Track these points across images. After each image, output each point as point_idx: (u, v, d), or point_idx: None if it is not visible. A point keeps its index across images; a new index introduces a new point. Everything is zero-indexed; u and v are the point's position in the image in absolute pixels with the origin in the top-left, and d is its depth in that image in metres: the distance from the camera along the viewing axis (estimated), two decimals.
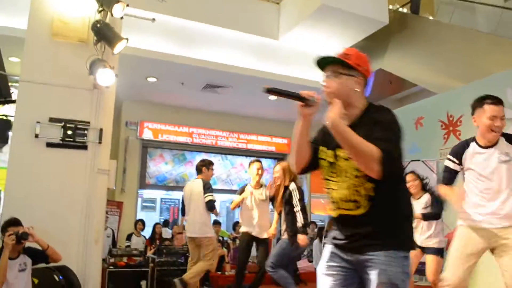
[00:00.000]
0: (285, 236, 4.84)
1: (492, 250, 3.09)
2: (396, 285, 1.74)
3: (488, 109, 3.10)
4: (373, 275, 1.76)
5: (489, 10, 8.28)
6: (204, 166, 5.73)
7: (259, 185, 5.53)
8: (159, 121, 9.89)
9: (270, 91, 1.77)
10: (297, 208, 4.74)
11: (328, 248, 1.96)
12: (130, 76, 8.27)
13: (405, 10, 9.63)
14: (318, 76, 2.10)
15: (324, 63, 1.92)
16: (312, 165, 1.97)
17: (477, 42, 7.48)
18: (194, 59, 7.75)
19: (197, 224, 5.34)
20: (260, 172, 5.51)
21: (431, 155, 7.21)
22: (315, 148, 1.95)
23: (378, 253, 1.77)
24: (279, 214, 5.10)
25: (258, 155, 10.85)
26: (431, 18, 9.37)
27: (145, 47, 7.39)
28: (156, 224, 8.47)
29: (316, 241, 8.61)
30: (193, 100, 9.61)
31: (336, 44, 8.37)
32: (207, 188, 5.40)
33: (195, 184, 5.62)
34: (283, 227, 4.93)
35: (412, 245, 1.90)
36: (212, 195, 5.39)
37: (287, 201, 4.86)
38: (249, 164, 5.73)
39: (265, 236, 5.36)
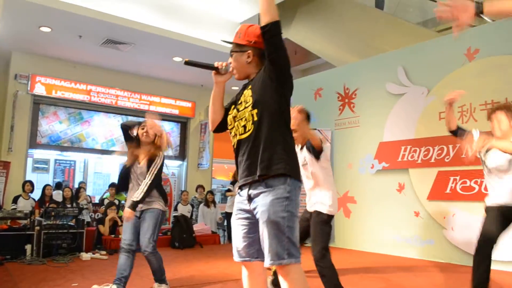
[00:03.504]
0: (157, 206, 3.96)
1: None
2: (276, 223, 1.94)
3: None
4: (259, 218, 2.01)
5: None
6: None
7: None
8: (54, 76, 9.15)
9: (189, 63, 2.14)
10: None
11: (236, 201, 2.20)
12: (20, 24, 7.51)
13: None
14: (224, 38, 2.25)
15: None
16: (224, 125, 2.29)
17: (376, 20, 7.88)
18: (93, 10, 7.21)
19: None
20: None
21: (328, 125, 7.57)
22: (227, 109, 2.28)
23: (262, 195, 1.99)
24: None
25: (162, 118, 10.59)
26: None
27: None
28: (46, 185, 7.95)
29: (202, 206, 8.74)
30: (92, 56, 9.01)
31: (246, 8, 8.32)
32: None
33: None
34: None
35: (296, 181, 2.04)
36: None
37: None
38: None
39: None
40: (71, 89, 9.34)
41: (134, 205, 3.78)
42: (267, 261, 1.96)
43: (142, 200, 3.81)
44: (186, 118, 10.95)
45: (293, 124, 3.40)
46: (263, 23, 2.00)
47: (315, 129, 7.48)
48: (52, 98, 9.19)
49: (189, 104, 10.83)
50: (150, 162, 3.91)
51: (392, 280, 4.69)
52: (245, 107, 2.13)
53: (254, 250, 2.12)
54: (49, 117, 9.37)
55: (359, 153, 7.09)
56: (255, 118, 2.06)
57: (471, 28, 6.53)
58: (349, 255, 6.45)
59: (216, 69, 2.21)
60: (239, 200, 2.18)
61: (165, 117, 10.67)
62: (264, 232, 1.97)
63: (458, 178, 5.82)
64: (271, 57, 2.04)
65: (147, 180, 3.86)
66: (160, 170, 3.93)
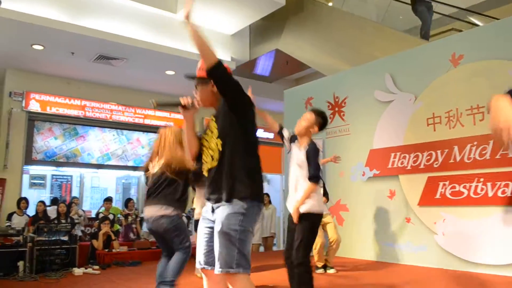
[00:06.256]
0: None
1: None
2: (228, 234, 2.11)
3: None
4: (215, 227, 2.19)
5: (378, 0, 8.84)
6: None
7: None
8: (48, 93, 9.25)
9: (159, 105, 2.35)
10: None
11: (203, 210, 2.38)
12: (13, 42, 7.63)
13: None
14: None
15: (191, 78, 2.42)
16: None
17: (364, 29, 7.95)
18: (85, 27, 7.32)
19: None
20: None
21: (319, 134, 7.53)
22: (200, 137, 2.44)
23: (221, 208, 2.18)
24: None
25: (156, 130, 10.65)
26: (330, 4, 9.75)
27: (29, 12, 6.84)
28: (39, 202, 8.00)
29: None
30: (85, 71, 9.11)
31: (235, 21, 8.42)
32: None
33: None
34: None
35: (256, 201, 2.23)
36: None
37: None
38: None
39: None
40: (65, 105, 9.43)
41: None
42: (217, 268, 2.12)
43: None
44: (180, 129, 10.99)
45: (298, 126, 3.54)
46: (205, 69, 2.17)
47: None
48: (47, 115, 9.28)
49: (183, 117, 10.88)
50: None
51: None
52: (212, 137, 2.33)
53: (213, 258, 2.23)
54: (44, 133, 9.43)
55: (350, 161, 7.12)
56: (220, 148, 2.26)
57: (455, 34, 6.60)
58: (343, 263, 6.45)
59: (184, 106, 2.37)
60: (206, 209, 2.37)
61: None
62: (216, 241, 2.15)
63: (447, 183, 5.83)
64: (222, 94, 2.25)
65: None
66: None
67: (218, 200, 2.23)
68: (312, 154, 3.43)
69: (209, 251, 2.27)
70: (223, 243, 2.11)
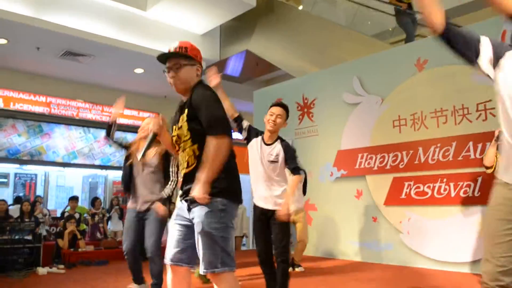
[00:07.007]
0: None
1: None
2: (210, 233, 2.05)
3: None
4: (195, 227, 2.10)
5: (348, 4, 9.01)
6: None
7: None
8: (12, 88, 8.98)
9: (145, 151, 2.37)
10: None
11: (177, 207, 2.31)
12: None
13: None
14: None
15: (166, 56, 2.21)
16: None
17: (333, 32, 8.10)
18: (51, 23, 7.15)
19: None
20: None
21: (288, 134, 7.65)
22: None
23: (199, 207, 2.09)
24: None
25: (124, 129, 10.50)
26: (300, 7, 9.87)
27: None
28: (0, 200, 7.74)
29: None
30: (51, 67, 8.89)
31: (205, 21, 8.41)
32: None
33: None
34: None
35: (233, 196, 2.17)
36: None
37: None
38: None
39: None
40: (30, 102, 9.18)
41: (165, 202, 3.92)
42: (202, 269, 2.06)
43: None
44: None
45: (275, 124, 3.43)
46: (225, 139, 2.12)
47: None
48: (10, 111, 9.00)
49: (152, 115, 10.79)
50: (166, 157, 4.01)
51: (352, 286, 4.80)
52: (185, 141, 2.21)
53: (186, 256, 2.20)
54: (7, 130, 9.14)
55: (318, 161, 7.24)
56: (197, 153, 2.16)
57: (420, 40, 6.82)
58: (311, 261, 6.55)
59: (156, 134, 2.32)
60: (180, 207, 2.28)
61: (129, 128, 10.58)
62: (199, 242, 2.09)
63: (412, 183, 6.02)
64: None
65: (175, 178, 3.98)
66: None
67: (190, 201, 2.15)
68: (291, 149, 3.49)
69: (184, 249, 2.19)
70: (206, 244, 2.05)
